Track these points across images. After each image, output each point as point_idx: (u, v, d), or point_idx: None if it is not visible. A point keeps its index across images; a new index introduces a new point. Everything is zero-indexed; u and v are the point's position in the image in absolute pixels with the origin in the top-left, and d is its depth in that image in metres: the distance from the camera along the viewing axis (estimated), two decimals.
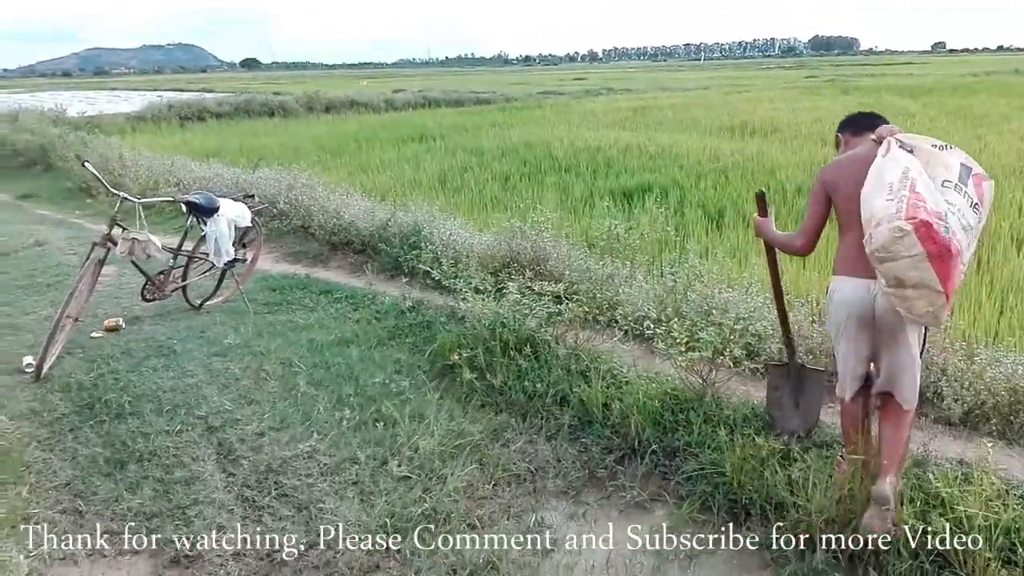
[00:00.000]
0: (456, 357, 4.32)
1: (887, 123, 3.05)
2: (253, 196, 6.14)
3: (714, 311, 4.17)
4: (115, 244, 4.88)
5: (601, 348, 4.38)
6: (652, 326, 4.04)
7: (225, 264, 5.56)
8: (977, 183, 2.74)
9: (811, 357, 4.14)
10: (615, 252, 5.47)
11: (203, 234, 5.47)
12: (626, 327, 4.53)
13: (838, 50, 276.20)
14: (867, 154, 2.88)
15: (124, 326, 5.40)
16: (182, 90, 55.66)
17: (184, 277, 5.59)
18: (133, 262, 5.01)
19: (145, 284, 5.36)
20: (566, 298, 4.71)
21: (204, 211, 5.36)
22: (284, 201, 8.06)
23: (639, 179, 11.24)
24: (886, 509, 2.74)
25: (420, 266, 5.95)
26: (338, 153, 15.49)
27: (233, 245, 5.64)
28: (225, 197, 5.79)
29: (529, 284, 4.79)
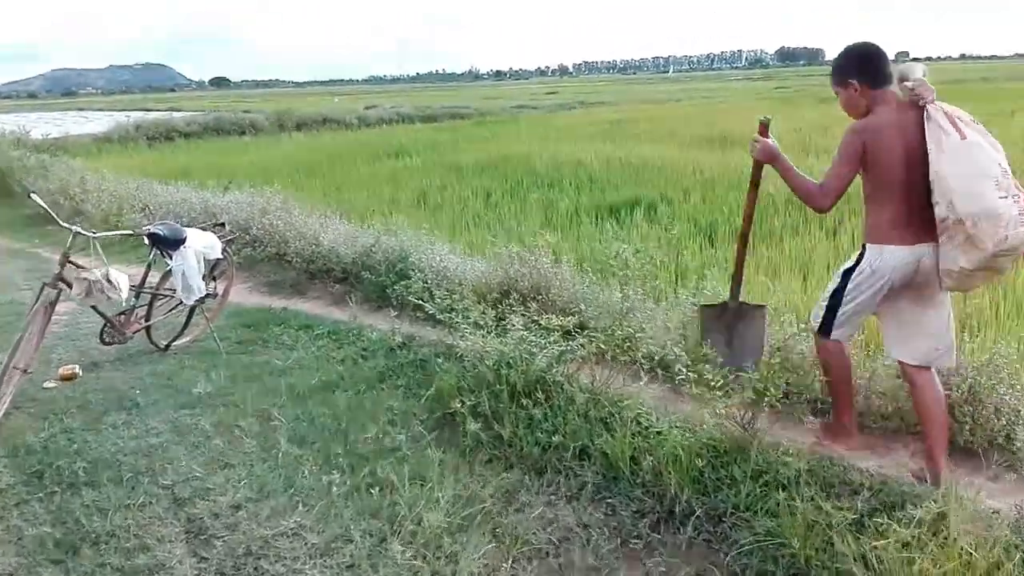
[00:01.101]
0: (457, 404, 3.82)
1: (889, 64, 3.06)
2: (223, 224, 5.60)
3: None
4: (68, 285, 4.34)
5: (623, 391, 3.90)
6: (683, 369, 3.57)
7: (194, 301, 5.03)
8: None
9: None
10: (625, 279, 5.02)
11: (168, 268, 4.94)
12: (649, 367, 4.06)
13: (804, 60, 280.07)
14: (902, 121, 2.93)
15: (81, 374, 4.84)
16: (150, 109, 54.80)
17: (148, 317, 5.05)
18: (92, 306, 4.47)
19: (104, 327, 4.81)
20: (576, 333, 4.23)
21: (169, 243, 4.82)
22: (257, 227, 7.52)
23: (625, 194, 10.85)
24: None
25: (410, 297, 5.47)
26: (312, 172, 14.96)
27: (203, 279, 5.12)
28: (192, 227, 5.27)
29: (535, 318, 4.32)
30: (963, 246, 2.79)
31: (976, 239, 2.74)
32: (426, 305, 4.90)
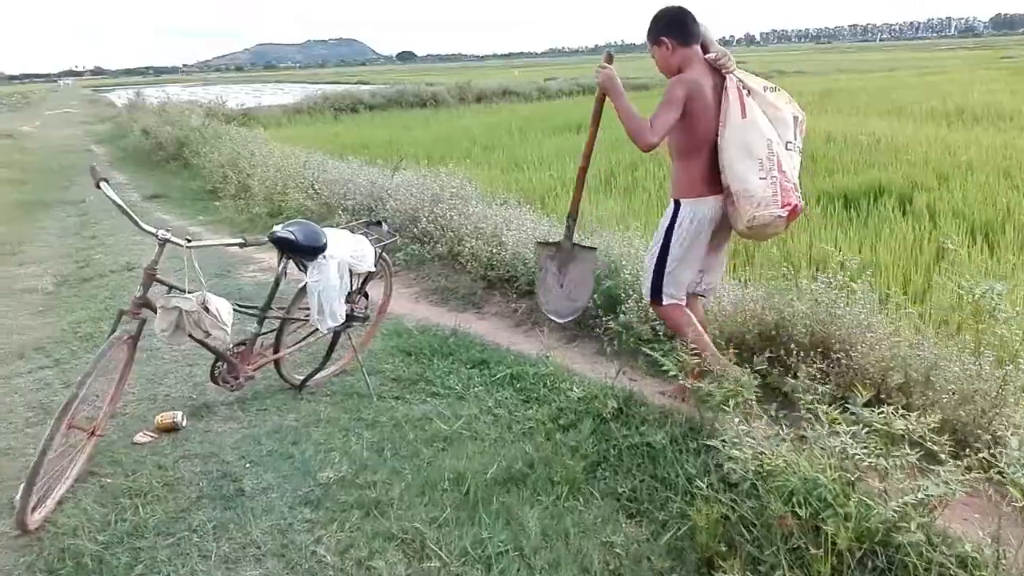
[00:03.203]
0: (726, 567, 2.16)
1: (700, 27, 3.17)
2: (380, 222, 4.17)
3: None
4: (153, 311, 3.07)
5: None
6: None
7: (333, 329, 3.67)
8: (801, 129, 3.19)
9: None
10: (984, 335, 3.11)
11: (302, 285, 3.60)
12: None
13: (1023, 28, 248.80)
14: (713, 83, 3.11)
15: (184, 424, 3.60)
16: (340, 82, 56.55)
17: (277, 347, 3.73)
18: (190, 335, 3.17)
19: (216, 363, 3.53)
20: (932, 441, 2.40)
21: (303, 252, 3.47)
22: (427, 218, 6.12)
23: (864, 178, 8.61)
24: None
25: (628, 339, 3.85)
26: (490, 147, 13.62)
27: (350, 296, 3.76)
28: (338, 227, 3.90)
29: (855, 410, 2.53)
30: (733, 213, 3.14)
31: (737, 210, 3.08)
32: (661, 358, 3.25)
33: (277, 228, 3.50)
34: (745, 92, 3.06)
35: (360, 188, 7.32)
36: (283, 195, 8.10)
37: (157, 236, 3.05)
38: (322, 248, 3.50)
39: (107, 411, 3.11)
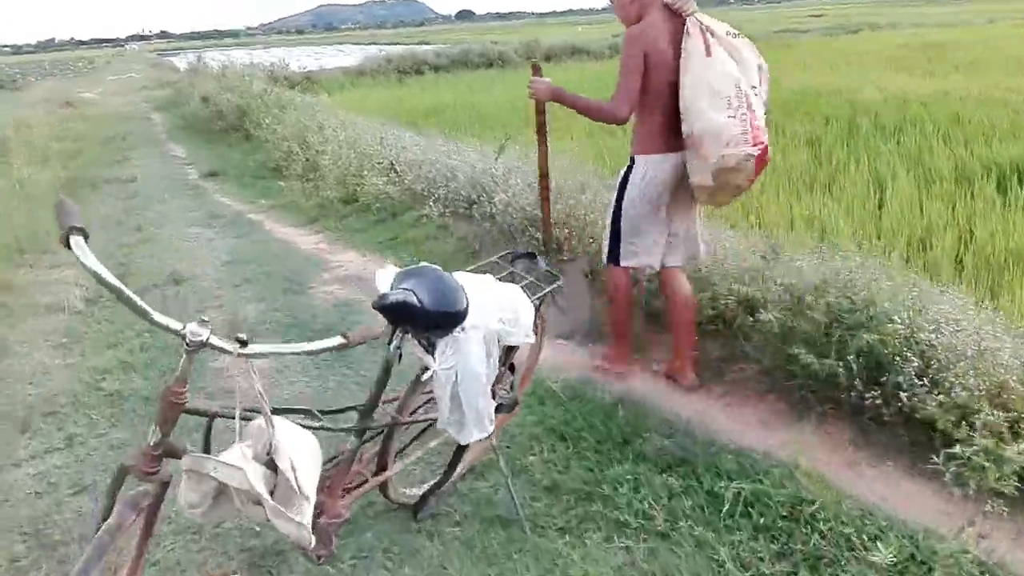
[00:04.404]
0: None
1: None
2: (534, 255, 2.72)
3: None
4: (177, 458, 1.70)
5: None
6: None
7: (476, 440, 2.28)
8: (764, 79, 2.95)
9: None
10: None
11: (421, 374, 2.19)
12: None
13: None
14: (670, 30, 2.95)
15: None
16: (401, 43, 55.07)
17: (383, 462, 2.36)
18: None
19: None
20: None
21: (430, 323, 2.07)
22: (563, 222, 4.59)
23: (1014, 149, 6.81)
24: None
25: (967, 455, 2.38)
26: (574, 114, 11.95)
27: (501, 368, 2.36)
28: (479, 271, 2.46)
29: None
30: (695, 161, 2.90)
31: (702, 155, 2.84)
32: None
33: (384, 283, 2.10)
34: (709, 33, 2.89)
35: (459, 173, 5.86)
36: (358, 178, 6.72)
37: (185, 338, 1.60)
38: (461, 316, 2.09)
39: None
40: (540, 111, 3.44)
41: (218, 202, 7.74)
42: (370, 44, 65.00)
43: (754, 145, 2.78)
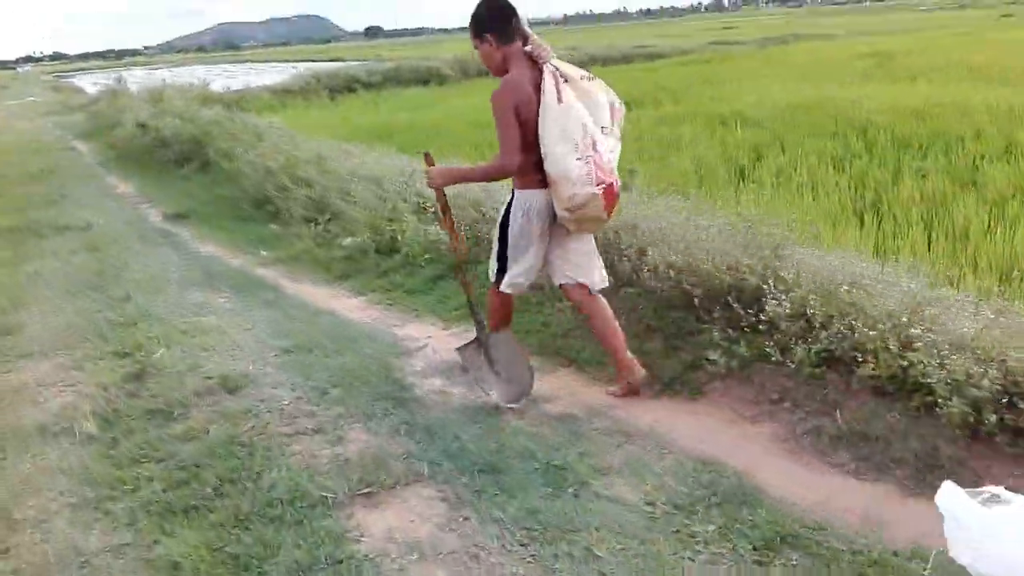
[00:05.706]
0: None
1: (520, 21, 3.18)
2: None
3: None
4: None
5: None
6: None
7: None
8: (616, 116, 3.25)
9: None
10: None
11: None
12: None
13: None
14: (532, 79, 3.13)
15: None
16: (314, 60, 53.31)
17: None
18: None
19: None
20: None
21: None
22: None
23: None
24: None
25: None
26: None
27: None
28: None
29: None
30: (554, 199, 3.15)
31: (558, 195, 3.11)
32: None
33: None
34: (562, 80, 3.10)
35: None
36: (395, 224, 5.62)
37: None
38: None
39: None
40: (440, 196, 3.49)
41: (204, 254, 6.54)
42: (279, 61, 62.94)
43: (597, 185, 3.03)
